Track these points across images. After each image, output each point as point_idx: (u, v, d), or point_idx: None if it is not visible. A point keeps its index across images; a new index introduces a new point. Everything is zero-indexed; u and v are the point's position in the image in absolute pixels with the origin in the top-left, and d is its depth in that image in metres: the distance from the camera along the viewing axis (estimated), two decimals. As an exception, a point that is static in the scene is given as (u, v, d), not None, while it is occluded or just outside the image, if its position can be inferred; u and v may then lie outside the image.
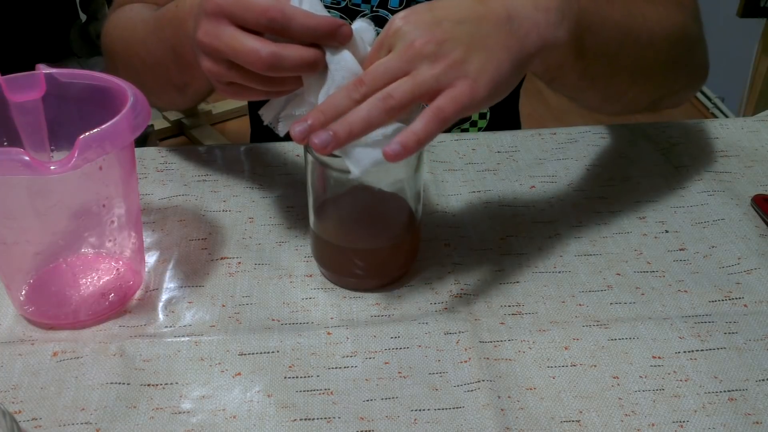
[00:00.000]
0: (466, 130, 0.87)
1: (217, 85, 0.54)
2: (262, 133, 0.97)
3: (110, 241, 0.57)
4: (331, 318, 0.56)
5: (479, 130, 0.87)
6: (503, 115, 0.93)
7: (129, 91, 0.52)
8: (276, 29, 0.49)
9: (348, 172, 0.54)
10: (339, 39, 0.49)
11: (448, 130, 0.87)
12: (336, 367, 0.52)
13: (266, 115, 0.56)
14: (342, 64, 0.50)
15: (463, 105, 0.48)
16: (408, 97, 0.48)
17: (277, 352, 0.53)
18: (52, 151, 0.57)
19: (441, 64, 0.48)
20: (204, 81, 0.60)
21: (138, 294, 0.58)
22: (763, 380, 0.51)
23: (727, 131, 0.79)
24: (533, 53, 0.51)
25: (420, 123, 0.48)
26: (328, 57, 0.50)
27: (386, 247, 0.59)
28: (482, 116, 0.87)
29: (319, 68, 0.50)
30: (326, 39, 0.49)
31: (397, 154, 0.47)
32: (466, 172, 0.73)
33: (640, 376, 0.51)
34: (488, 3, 0.50)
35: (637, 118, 0.84)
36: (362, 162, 0.49)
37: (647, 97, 0.67)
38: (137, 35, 0.68)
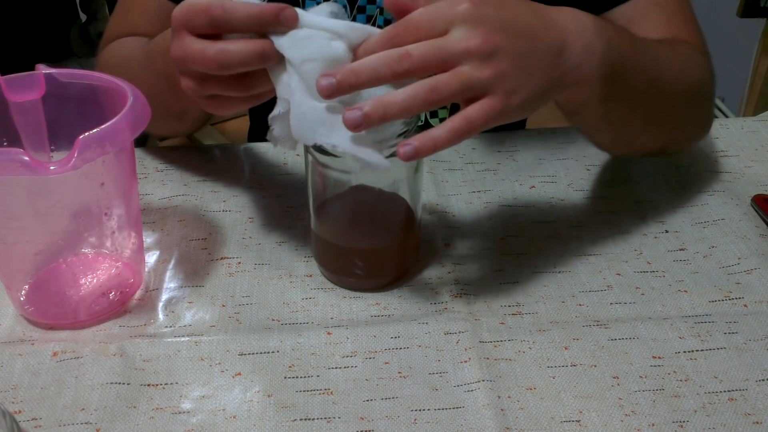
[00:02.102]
0: None
1: (201, 102, 0.54)
2: (261, 132, 0.98)
3: (110, 241, 0.57)
4: (331, 318, 0.56)
5: None
6: None
7: (129, 91, 0.52)
8: (221, 26, 0.49)
9: (348, 172, 0.54)
10: (284, 23, 0.48)
11: None
12: (336, 367, 0.52)
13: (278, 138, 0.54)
14: (301, 47, 0.48)
15: (491, 119, 0.47)
16: (451, 96, 0.46)
17: (277, 352, 0.53)
18: (52, 151, 0.57)
19: (489, 70, 0.46)
20: (199, 106, 0.59)
21: (138, 294, 0.58)
22: (763, 380, 0.51)
23: (727, 131, 0.79)
24: (568, 88, 0.51)
25: (444, 131, 0.46)
26: (282, 43, 0.48)
27: (386, 247, 0.59)
28: None
29: (271, 58, 0.49)
30: (272, 26, 0.48)
31: (410, 156, 0.46)
32: (466, 172, 0.73)
33: (640, 376, 0.51)
34: (548, 24, 0.50)
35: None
36: (367, 160, 0.48)
37: (655, 144, 0.67)
38: (131, 71, 0.67)
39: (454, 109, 0.86)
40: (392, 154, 0.53)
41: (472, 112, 0.47)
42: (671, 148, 0.71)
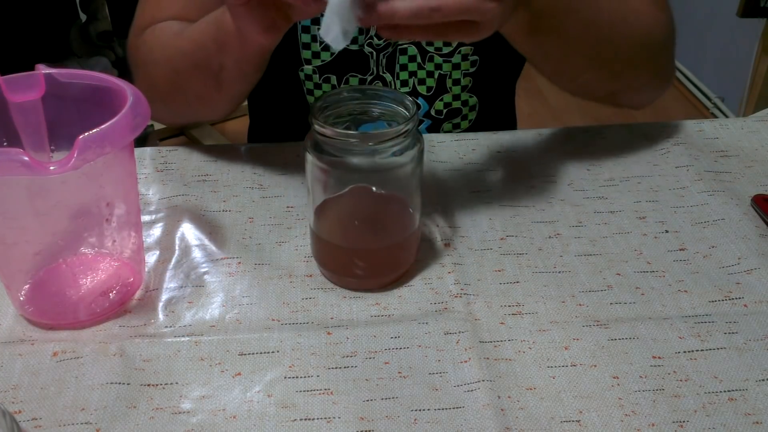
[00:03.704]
0: (457, 125, 0.87)
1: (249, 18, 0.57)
2: (261, 132, 0.98)
3: (110, 241, 0.57)
4: (331, 318, 0.56)
5: (470, 122, 0.87)
6: (498, 109, 0.93)
7: (129, 91, 0.52)
8: None
9: (348, 171, 0.54)
10: None
11: (441, 129, 0.87)
12: (336, 367, 0.52)
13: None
14: None
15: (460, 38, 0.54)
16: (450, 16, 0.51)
17: (277, 352, 0.53)
18: (52, 151, 0.57)
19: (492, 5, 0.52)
20: (238, 60, 0.65)
21: (138, 294, 0.58)
22: (763, 380, 0.51)
23: (727, 131, 0.79)
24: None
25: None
26: None
27: (386, 247, 0.59)
28: (472, 108, 0.87)
29: None
30: None
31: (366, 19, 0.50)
32: (466, 172, 0.73)
33: (640, 376, 0.51)
34: None
35: (636, 117, 0.84)
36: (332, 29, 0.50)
37: (603, 85, 0.74)
38: (183, 35, 0.70)
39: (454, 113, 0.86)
40: (395, 154, 0.54)
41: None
42: (625, 95, 0.77)
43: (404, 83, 0.83)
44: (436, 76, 0.83)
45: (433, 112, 0.85)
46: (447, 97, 0.85)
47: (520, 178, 0.72)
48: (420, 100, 0.85)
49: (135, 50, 0.77)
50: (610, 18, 0.68)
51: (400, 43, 0.80)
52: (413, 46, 0.81)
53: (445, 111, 0.86)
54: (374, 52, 0.81)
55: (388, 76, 0.82)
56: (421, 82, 0.83)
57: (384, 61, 0.81)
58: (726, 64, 2.36)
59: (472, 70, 0.83)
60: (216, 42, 0.66)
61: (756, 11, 1.68)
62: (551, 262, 0.62)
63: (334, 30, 0.50)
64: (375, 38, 0.79)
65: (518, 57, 0.89)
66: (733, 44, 2.29)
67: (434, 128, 0.87)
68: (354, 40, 0.79)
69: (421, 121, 0.86)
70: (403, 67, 0.82)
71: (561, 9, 0.62)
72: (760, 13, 1.69)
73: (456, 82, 0.84)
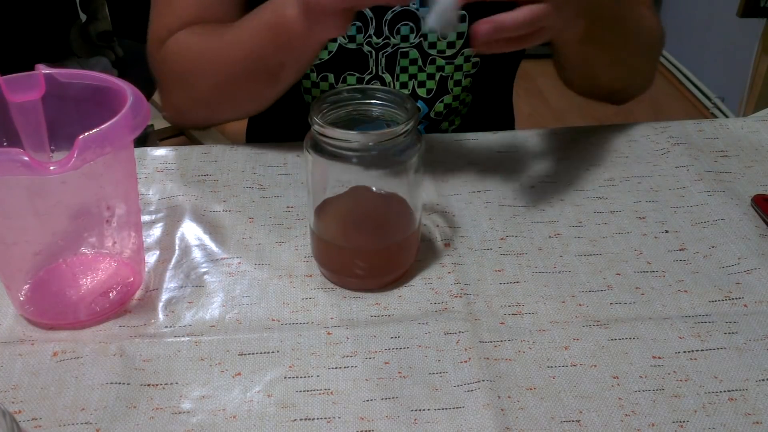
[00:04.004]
0: (452, 122, 0.87)
1: (335, 19, 0.61)
2: (260, 132, 0.98)
3: (110, 241, 0.57)
4: (331, 318, 0.56)
5: (461, 117, 0.88)
6: (495, 108, 0.93)
7: (128, 91, 0.52)
8: None
9: (348, 171, 0.54)
10: None
11: (440, 129, 0.87)
12: (336, 367, 0.52)
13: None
14: None
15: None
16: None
17: (277, 352, 0.53)
18: (52, 151, 0.57)
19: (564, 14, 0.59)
20: (298, 58, 0.69)
21: (138, 294, 0.58)
22: (763, 380, 0.51)
23: (727, 131, 0.79)
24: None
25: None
26: None
27: (386, 247, 0.59)
28: (466, 105, 0.87)
29: None
30: None
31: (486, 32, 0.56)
32: (466, 172, 0.73)
33: (640, 376, 0.51)
34: None
35: (636, 117, 0.84)
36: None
37: (615, 84, 0.79)
38: (224, 41, 0.72)
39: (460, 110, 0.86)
40: (395, 154, 0.54)
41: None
42: (623, 94, 0.83)
43: (404, 85, 0.83)
44: (437, 78, 0.83)
45: (432, 115, 0.85)
46: (447, 98, 0.85)
47: (520, 178, 0.72)
48: (419, 103, 0.85)
49: (161, 63, 0.77)
50: (638, 25, 0.75)
51: (401, 44, 0.80)
52: (414, 49, 0.81)
53: (444, 112, 0.86)
54: (373, 51, 0.81)
55: (387, 77, 0.82)
56: (421, 84, 0.83)
57: (383, 60, 0.81)
58: (726, 64, 2.36)
59: (473, 71, 0.83)
60: (275, 44, 0.67)
61: (756, 11, 1.68)
62: (551, 262, 0.62)
63: (433, 22, 0.57)
64: (374, 37, 0.79)
65: (515, 56, 0.90)
66: (733, 44, 2.29)
67: (431, 129, 0.86)
68: (352, 39, 0.79)
69: (419, 123, 0.86)
70: (404, 69, 0.82)
71: (612, 18, 0.67)
72: (760, 13, 1.69)
73: (457, 83, 0.84)
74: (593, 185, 0.71)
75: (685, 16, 2.64)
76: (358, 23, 0.78)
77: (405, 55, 0.81)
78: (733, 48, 2.28)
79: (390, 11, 0.78)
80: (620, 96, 0.83)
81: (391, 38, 0.79)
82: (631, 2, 0.75)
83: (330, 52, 0.81)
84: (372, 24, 0.78)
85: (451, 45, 0.80)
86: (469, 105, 0.87)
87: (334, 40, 0.79)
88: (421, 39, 0.80)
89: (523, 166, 0.74)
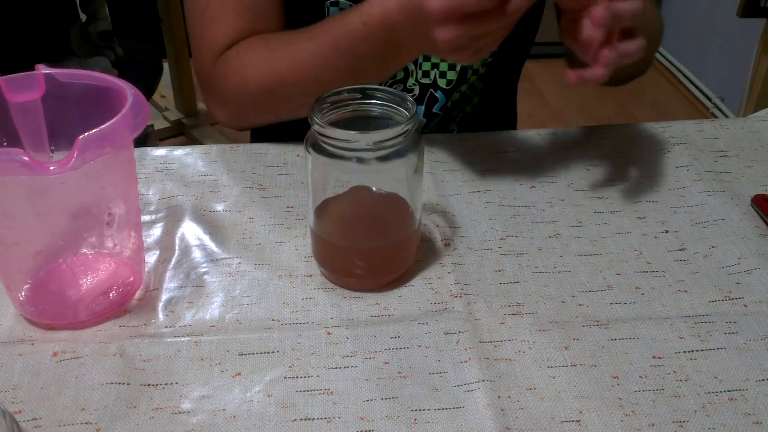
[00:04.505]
0: (462, 110, 0.87)
1: (455, 54, 0.63)
2: (260, 132, 0.98)
3: (110, 241, 0.57)
4: (331, 318, 0.56)
5: (473, 106, 0.87)
6: (500, 107, 0.93)
7: (129, 91, 0.52)
8: None
9: (348, 171, 0.54)
10: None
11: (445, 129, 0.87)
12: (336, 367, 0.52)
13: None
14: None
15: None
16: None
17: (277, 352, 0.53)
18: (52, 151, 0.57)
19: None
20: (394, 67, 0.70)
21: (138, 294, 0.58)
22: (763, 380, 0.51)
23: (727, 131, 0.79)
24: None
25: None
26: None
27: (386, 247, 0.59)
28: (476, 93, 0.87)
29: None
30: None
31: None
32: (466, 172, 0.73)
33: (640, 376, 0.51)
34: None
35: (636, 117, 0.84)
36: None
37: (624, 73, 0.79)
38: (307, 53, 0.70)
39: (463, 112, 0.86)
40: (395, 154, 0.54)
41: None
42: (623, 81, 0.84)
43: (426, 74, 0.83)
44: (458, 68, 0.83)
45: (449, 105, 0.85)
46: (464, 87, 0.85)
47: (520, 178, 0.72)
48: (438, 94, 0.85)
49: (222, 79, 0.75)
50: (651, 19, 0.77)
51: None
52: None
53: (459, 101, 0.86)
54: None
55: (410, 65, 0.82)
56: (443, 75, 0.83)
57: None
58: (726, 64, 2.36)
59: (489, 59, 0.83)
60: (377, 57, 0.68)
61: (756, 11, 1.68)
62: (551, 262, 0.62)
63: None
64: None
65: (523, 50, 0.90)
66: (733, 44, 2.28)
67: (444, 119, 0.86)
68: None
69: (436, 115, 0.86)
70: (426, 58, 0.82)
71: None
72: (760, 13, 1.69)
73: (475, 72, 0.84)
74: (593, 185, 0.71)
75: (685, 16, 2.64)
76: None
77: None
78: (733, 48, 2.28)
79: None
80: (623, 81, 0.84)
81: None
82: None
83: None
84: None
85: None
86: (480, 93, 0.87)
87: None
88: None
89: (523, 166, 0.74)
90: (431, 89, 0.84)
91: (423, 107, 0.85)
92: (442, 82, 0.84)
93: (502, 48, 0.83)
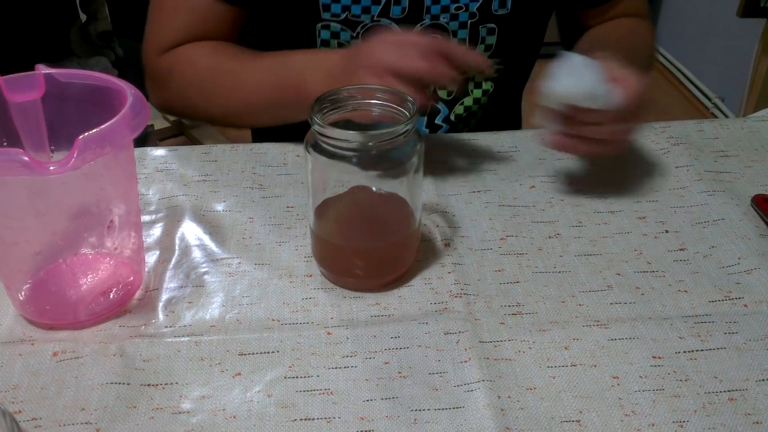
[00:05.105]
0: (468, 123, 0.87)
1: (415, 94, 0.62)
2: (263, 132, 0.98)
3: (110, 241, 0.57)
4: (331, 318, 0.56)
5: (477, 119, 0.87)
6: (506, 112, 0.93)
7: (129, 91, 0.52)
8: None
9: (348, 171, 0.54)
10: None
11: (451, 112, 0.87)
12: (336, 367, 0.52)
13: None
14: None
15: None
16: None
17: (277, 352, 0.53)
18: (52, 151, 0.57)
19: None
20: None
21: (138, 294, 0.58)
22: (763, 380, 0.51)
23: (727, 131, 0.79)
24: None
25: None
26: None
27: (386, 247, 0.59)
28: (481, 107, 0.87)
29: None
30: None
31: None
32: (466, 172, 0.73)
33: (640, 376, 0.51)
34: None
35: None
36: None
37: None
38: (242, 77, 0.75)
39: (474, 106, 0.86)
40: (395, 154, 0.54)
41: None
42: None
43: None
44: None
45: (452, 118, 0.85)
46: (468, 101, 0.85)
47: (520, 178, 0.72)
48: (440, 105, 0.85)
49: (166, 71, 0.79)
50: (649, 53, 0.87)
51: None
52: None
53: (464, 116, 0.86)
54: None
55: None
56: (442, 86, 0.83)
57: None
58: (726, 64, 2.36)
59: (495, 75, 0.84)
60: (293, 104, 0.70)
61: (756, 11, 1.68)
62: (551, 262, 0.62)
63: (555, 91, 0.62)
64: None
65: (532, 61, 0.90)
66: (733, 44, 2.28)
67: (450, 132, 0.86)
68: None
69: (439, 127, 0.86)
70: None
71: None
72: (760, 13, 1.69)
73: (478, 85, 0.84)
74: (593, 185, 0.71)
75: (685, 16, 2.64)
76: None
77: None
78: (733, 48, 2.28)
79: (419, 24, 0.78)
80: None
81: None
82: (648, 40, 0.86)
83: None
84: None
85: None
86: (486, 107, 0.87)
87: None
88: None
89: (523, 166, 0.74)
90: (431, 101, 0.84)
91: (425, 118, 0.85)
92: (442, 93, 0.84)
93: (509, 64, 0.84)
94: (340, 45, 0.79)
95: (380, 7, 0.77)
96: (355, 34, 0.78)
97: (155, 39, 0.80)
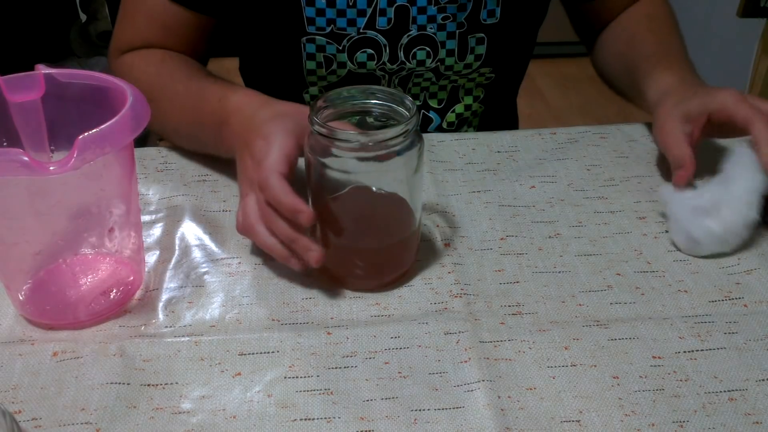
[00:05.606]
0: (464, 118, 0.87)
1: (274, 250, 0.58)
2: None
3: (110, 241, 0.57)
4: (331, 318, 0.56)
5: (474, 128, 0.88)
6: (502, 113, 0.93)
7: (129, 91, 0.52)
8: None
9: (348, 171, 0.54)
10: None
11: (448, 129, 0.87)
12: (336, 367, 0.52)
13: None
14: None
15: None
16: None
17: (277, 352, 0.53)
18: (52, 151, 0.57)
19: None
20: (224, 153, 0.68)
21: (138, 294, 0.58)
22: (763, 380, 0.51)
23: (727, 131, 0.79)
24: None
25: None
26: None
27: (386, 247, 0.59)
28: (475, 114, 0.87)
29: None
30: None
31: None
32: (466, 172, 0.73)
33: (640, 376, 0.51)
34: None
35: (636, 118, 0.84)
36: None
37: None
38: (178, 98, 0.72)
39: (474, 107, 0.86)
40: (395, 154, 0.54)
41: None
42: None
43: (415, 96, 0.83)
44: (448, 89, 0.83)
45: (444, 125, 0.85)
46: (459, 107, 0.84)
47: (520, 178, 0.72)
48: (431, 114, 0.84)
49: (116, 74, 0.78)
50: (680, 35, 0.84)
51: (417, 68, 0.80)
52: (430, 72, 0.80)
53: (456, 122, 0.85)
54: (386, 75, 0.80)
55: (399, 89, 0.82)
56: (432, 95, 0.83)
57: (396, 81, 0.81)
58: (726, 64, 2.36)
59: (486, 82, 0.83)
60: (214, 140, 0.68)
61: (756, 11, 1.68)
62: (551, 262, 0.62)
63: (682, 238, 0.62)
64: (388, 63, 0.78)
65: (524, 67, 0.90)
66: (733, 44, 2.28)
67: None
68: (362, 65, 0.79)
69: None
70: (416, 84, 0.82)
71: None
72: (760, 13, 1.69)
73: (468, 92, 0.84)
74: (593, 185, 0.71)
75: (684, 16, 2.63)
76: (370, 51, 0.77)
77: (419, 75, 0.81)
78: (733, 48, 2.28)
79: (405, 35, 0.77)
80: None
81: (407, 63, 0.79)
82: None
83: (339, 77, 0.80)
84: (386, 51, 0.77)
85: (468, 66, 0.81)
86: (479, 117, 0.87)
87: (344, 67, 0.79)
88: (438, 63, 0.79)
89: (523, 166, 0.74)
90: (423, 110, 0.84)
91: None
92: (433, 102, 0.84)
93: (502, 72, 0.83)
94: (327, 59, 0.77)
95: (366, 19, 0.75)
96: (341, 47, 0.77)
97: (114, 40, 0.80)
